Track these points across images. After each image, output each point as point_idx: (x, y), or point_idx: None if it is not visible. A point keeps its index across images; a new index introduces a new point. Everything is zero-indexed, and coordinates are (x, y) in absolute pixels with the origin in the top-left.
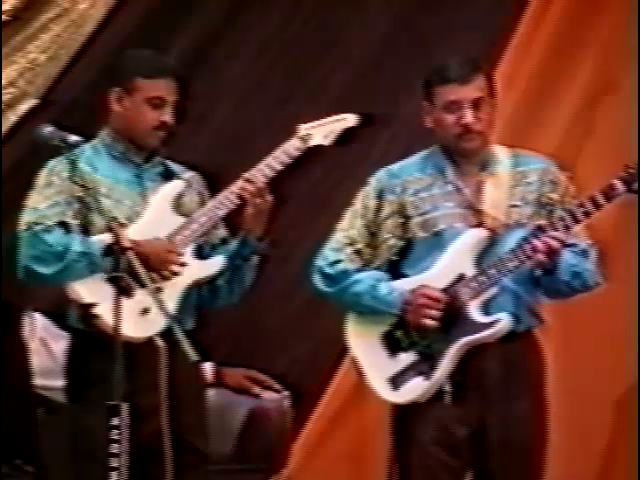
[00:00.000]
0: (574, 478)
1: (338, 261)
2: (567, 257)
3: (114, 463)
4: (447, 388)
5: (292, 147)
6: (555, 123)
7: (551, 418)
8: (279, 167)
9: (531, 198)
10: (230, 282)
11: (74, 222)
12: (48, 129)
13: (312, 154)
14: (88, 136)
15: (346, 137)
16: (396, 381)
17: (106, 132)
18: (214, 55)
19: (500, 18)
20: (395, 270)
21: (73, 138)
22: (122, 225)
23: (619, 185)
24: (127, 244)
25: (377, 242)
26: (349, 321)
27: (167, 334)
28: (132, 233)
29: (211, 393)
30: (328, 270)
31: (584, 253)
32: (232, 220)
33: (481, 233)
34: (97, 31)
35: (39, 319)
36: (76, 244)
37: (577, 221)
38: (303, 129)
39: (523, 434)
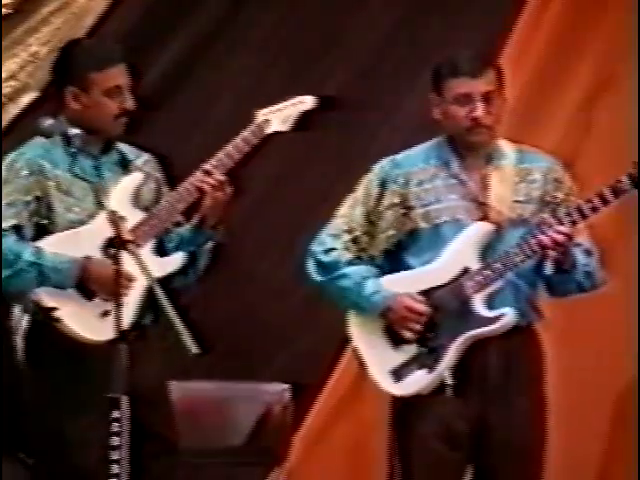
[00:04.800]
0: (573, 473)
1: (333, 249)
2: (580, 257)
3: (115, 455)
4: (449, 381)
5: (250, 134)
6: (555, 120)
7: (551, 413)
8: (239, 156)
9: (535, 195)
10: (184, 268)
11: (28, 224)
12: (49, 122)
13: (312, 145)
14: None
15: (304, 122)
16: (398, 373)
17: (60, 125)
18: (214, 50)
19: (499, 17)
20: (399, 259)
21: (74, 131)
22: (121, 218)
23: (627, 181)
24: (128, 237)
25: (375, 231)
26: (351, 313)
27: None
28: (94, 229)
29: (212, 387)
30: (322, 257)
31: (589, 252)
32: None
33: (486, 227)
34: (98, 24)
35: None
36: (27, 253)
37: (584, 216)
38: (261, 115)
39: (523, 428)
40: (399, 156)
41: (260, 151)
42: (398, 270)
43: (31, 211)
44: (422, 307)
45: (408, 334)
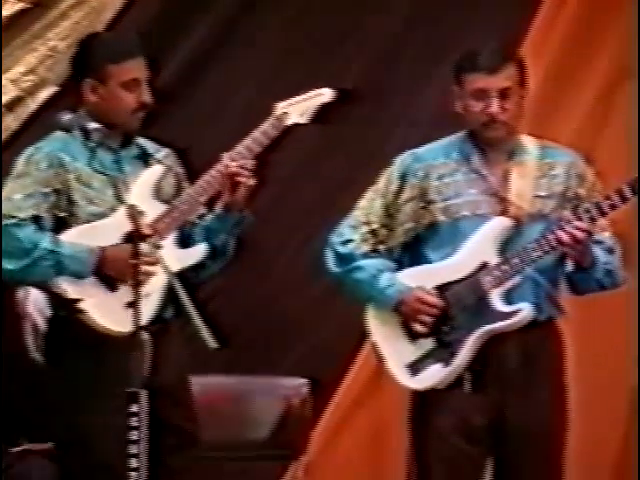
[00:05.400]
0: (590, 467)
1: (350, 240)
2: (600, 254)
3: (133, 450)
4: (466, 376)
5: (270, 127)
6: (572, 115)
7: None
8: (258, 148)
9: (557, 190)
10: (214, 258)
11: (48, 216)
12: (67, 116)
13: (330, 138)
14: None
15: (323, 115)
16: (415, 367)
17: (79, 119)
18: (231, 42)
19: (517, 13)
20: (419, 253)
21: (93, 125)
22: (140, 213)
23: None
24: (147, 231)
25: (394, 224)
26: (370, 306)
27: (153, 324)
28: (114, 222)
29: (231, 381)
30: (339, 248)
31: (611, 250)
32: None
33: (506, 222)
34: (116, 18)
35: (33, 292)
36: (45, 242)
37: (603, 213)
38: (280, 108)
39: (543, 423)
40: (420, 150)
41: (279, 143)
42: (418, 264)
43: (50, 203)
44: (434, 300)
45: (420, 327)
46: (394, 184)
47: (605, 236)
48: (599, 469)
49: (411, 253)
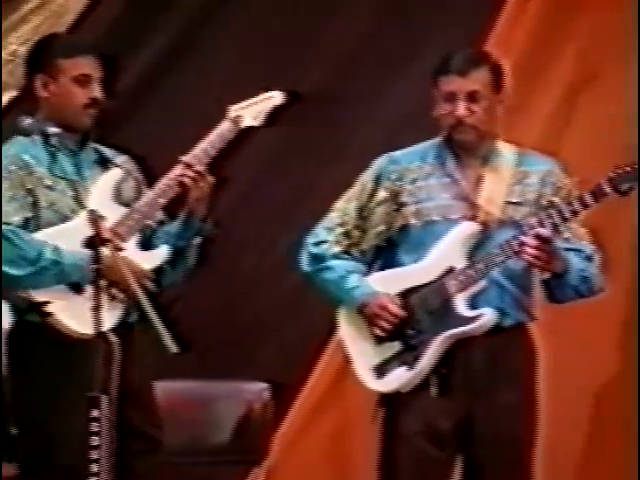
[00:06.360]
0: (554, 468)
1: (324, 241)
2: (576, 262)
3: (94, 455)
4: (433, 380)
5: (225, 130)
6: (537, 113)
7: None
8: (215, 151)
9: (530, 198)
10: (174, 265)
11: (32, 216)
12: (27, 121)
13: (295, 139)
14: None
15: (275, 117)
16: (381, 369)
17: (39, 123)
18: (191, 46)
19: (480, 15)
20: (392, 256)
21: (52, 129)
22: (101, 217)
23: (607, 186)
24: (108, 236)
25: (367, 226)
26: (341, 308)
27: (118, 328)
28: (76, 226)
29: (193, 386)
30: (312, 249)
31: (589, 258)
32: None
33: (473, 227)
34: (77, 21)
35: None
36: (48, 252)
37: (565, 219)
38: (233, 110)
39: (510, 426)
40: (397, 153)
41: (243, 145)
42: (392, 266)
43: (29, 204)
44: (395, 308)
45: (378, 332)
46: (368, 186)
47: (582, 244)
48: (563, 470)
49: (386, 256)
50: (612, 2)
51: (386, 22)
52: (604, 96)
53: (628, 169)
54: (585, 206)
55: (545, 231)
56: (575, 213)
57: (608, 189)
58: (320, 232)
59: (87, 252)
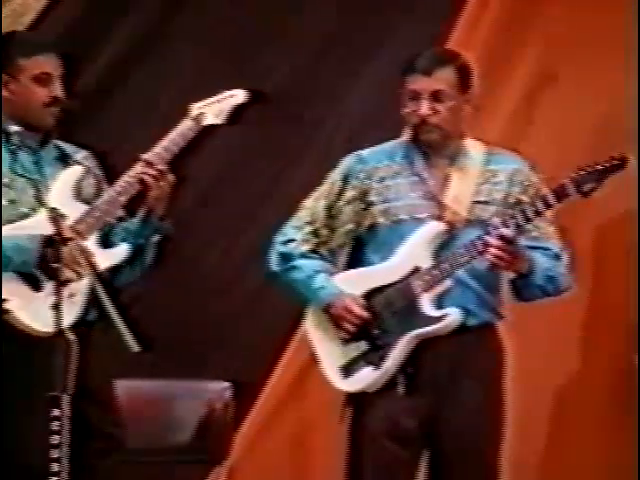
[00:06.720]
0: (519, 467)
1: (292, 240)
2: (542, 261)
3: (54, 454)
4: (400, 379)
5: (187, 128)
6: (497, 112)
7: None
8: (176, 149)
9: (498, 197)
10: (131, 262)
11: None
12: None
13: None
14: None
15: (237, 115)
16: (347, 369)
17: None
18: (153, 44)
19: (439, 16)
20: (361, 255)
21: (13, 128)
22: (61, 216)
23: (570, 186)
24: (69, 234)
25: (335, 225)
26: (310, 307)
27: (77, 326)
28: (36, 225)
29: (154, 385)
30: (280, 248)
31: (557, 257)
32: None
33: (439, 226)
34: (37, 21)
35: None
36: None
37: (528, 220)
38: (196, 108)
39: (476, 425)
40: (365, 152)
41: (204, 144)
42: (361, 265)
43: None
44: (358, 310)
45: (341, 334)
46: (337, 185)
47: (550, 242)
48: (527, 469)
49: (355, 255)
50: (572, 3)
51: (349, 22)
52: (565, 96)
53: (590, 170)
54: (548, 206)
55: (508, 232)
56: (538, 213)
57: (571, 190)
58: (289, 231)
59: (33, 235)
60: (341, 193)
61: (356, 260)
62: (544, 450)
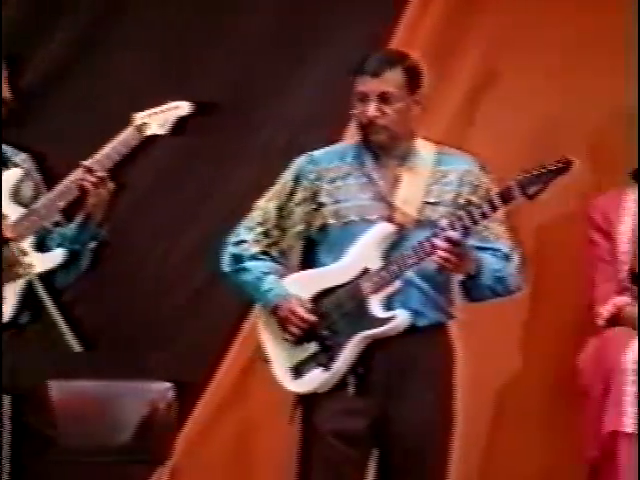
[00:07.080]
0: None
1: (244, 241)
2: (490, 262)
3: None
4: (350, 380)
5: (129, 137)
6: (441, 111)
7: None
8: (117, 157)
9: (448, 198)
10: (66, 267)
11: None
12: None
13: (195, 145)
14: None
15: (181, 126)
16: (297, 370)
17: None
18: (95, 51)
19: (382, 16)
20: (314, 256)
21: None
22: (2, 216)
23: (515, 188)
24: (10, 235)
25: (286, 226)
26: (260, 307)
27: (9, 327)
28: None
29: (96, 385)
30: (232, 248)
31: (507, 257)
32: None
33: (389, 228)
34: None
35: None
36: None
37: (475, 222)
38: (139, 118)
39: (426, 425)
40: (317, 153)
41: (145, 152)
42: (313, 266)
43: None
44: (304, 313)
45: (287, 336)
46: (288, 186)
47: (500, 243)
48: (467, 468)
49: (307, 256)
50: (515, 3)
51: (289, 22)
52: (507, 97)
53: (536, 172)
54: (494, 208)
55: (454, 234)
56: (484, 215)
57: (516, 192)
58: (241, 231)
59: None
60: (292, 194)
61: (309, 261)
62: (485, 450)
